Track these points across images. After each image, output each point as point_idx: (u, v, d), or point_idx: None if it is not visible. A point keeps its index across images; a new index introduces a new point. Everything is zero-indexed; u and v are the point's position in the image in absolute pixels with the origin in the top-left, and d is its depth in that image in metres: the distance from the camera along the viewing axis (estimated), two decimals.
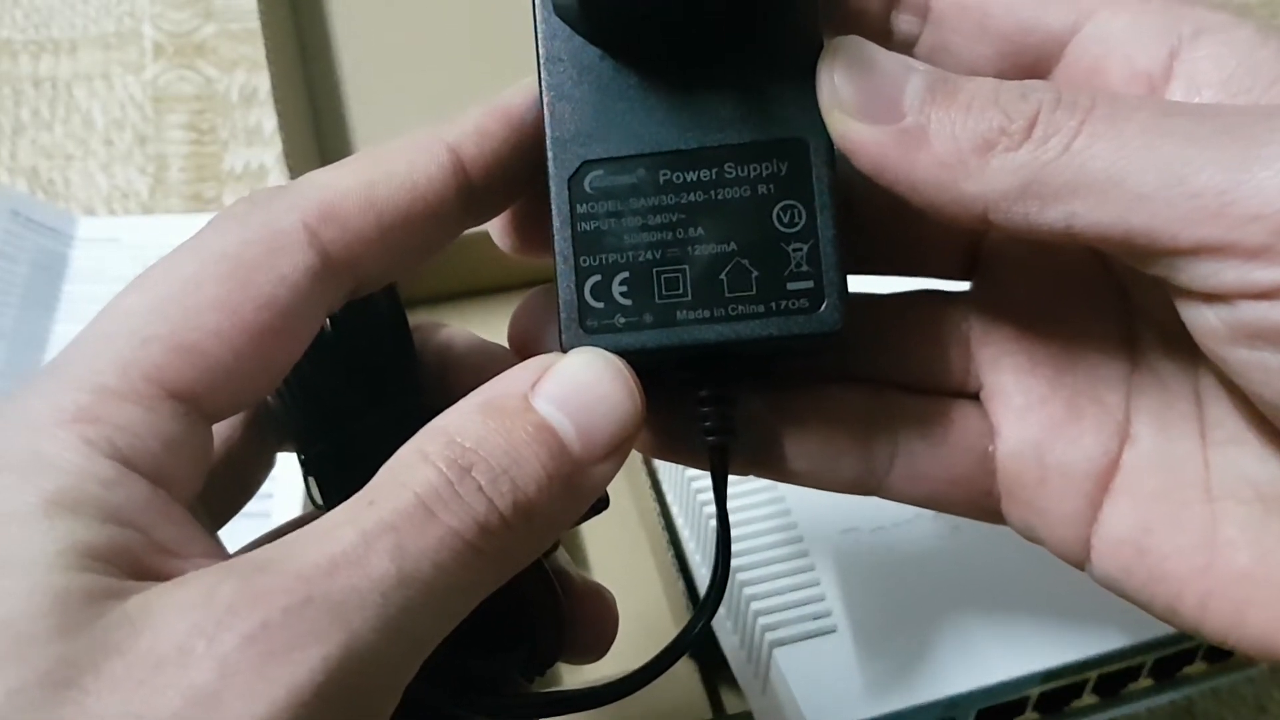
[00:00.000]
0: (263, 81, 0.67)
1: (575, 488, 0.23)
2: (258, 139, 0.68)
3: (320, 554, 0.20)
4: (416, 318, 0.29)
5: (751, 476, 0.40)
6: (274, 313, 0.23)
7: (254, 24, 0.61)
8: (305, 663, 0.19)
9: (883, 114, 0.23)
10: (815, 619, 0.39)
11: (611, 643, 0.30)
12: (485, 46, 0.62)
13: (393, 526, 0.21)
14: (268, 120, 0.68)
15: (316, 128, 0.62)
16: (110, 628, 0.19)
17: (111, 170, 0.66)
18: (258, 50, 0.63)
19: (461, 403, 0.23)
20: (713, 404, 0.26)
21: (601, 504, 0.27)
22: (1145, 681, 0.42)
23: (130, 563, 0.21)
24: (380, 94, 0.63)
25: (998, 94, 0.23)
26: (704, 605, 0.26)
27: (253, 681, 0.19)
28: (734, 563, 0.40)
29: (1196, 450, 0.26)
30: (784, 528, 0.42)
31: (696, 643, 0.26)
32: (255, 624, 0.19)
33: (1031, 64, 0.25)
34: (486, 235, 0.29)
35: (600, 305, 0.25)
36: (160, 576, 0.21)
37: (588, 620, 0.30)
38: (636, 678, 0.26)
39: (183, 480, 0.23)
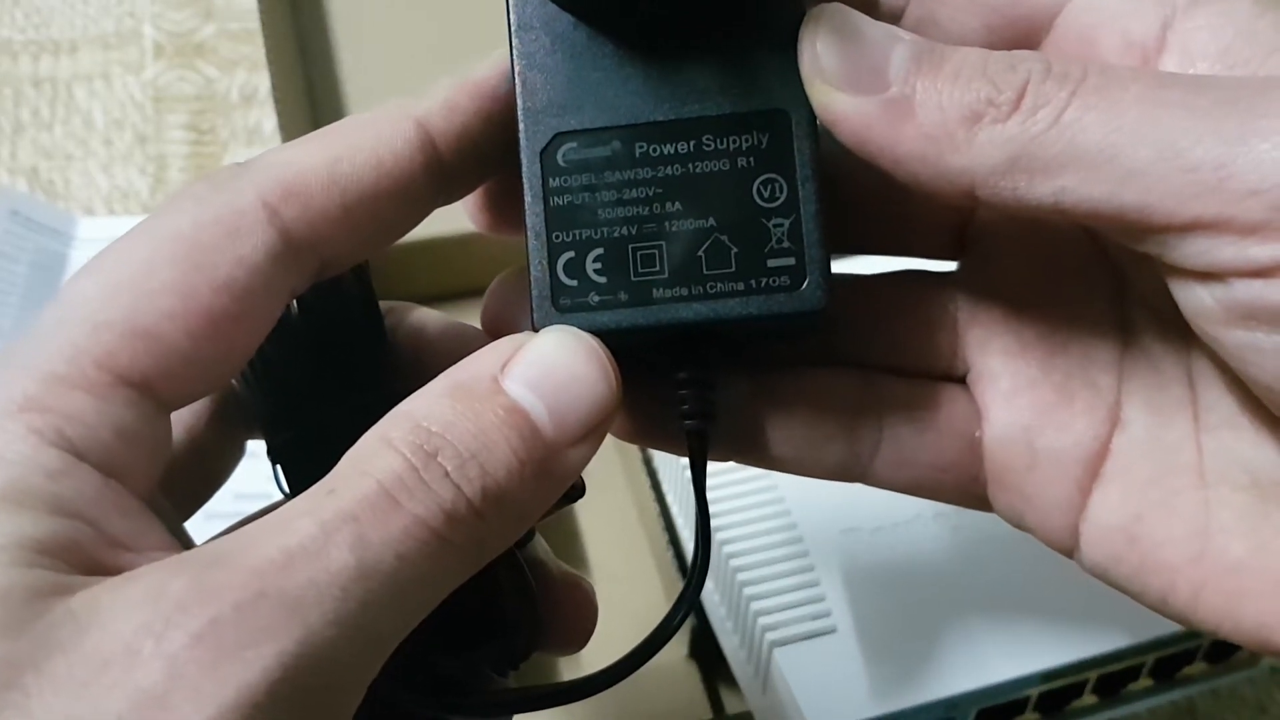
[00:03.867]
0: (262, 81, 0.67)
1: (548, 473, 0.22)
2: (258, 139, 0.67)
3: (275, 547, 0.20)
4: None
5: (749, 472, 0.39)
6: (232, 295, 0.22)
7: (254, 24, 0.61)
8: (257, 661, 0.19)
9: (866, 84, 0.22)
10: (815, 619, 0.39)
11: (590, 635, 0.29)
12: (487, 46, 0.62)
13: (353, 516, 0.20)
14: (268, 120, 0.67)
15: (316, 127, 0.62)
16: (54, 626, 0.19)
17: (111, 170, 0.66)
18: (257, 50, 0.63)
19: (429, 386, 0.23)
20: (691, 387, 0.26)
21: (576, 491, 0.26)
22: (1145, 681, 0.42)
23: (79, 557, 0.20)
24: (380, 93, 0.63)
25: (986, 64, 0.22)
26: (682, 597, 0.25)
27: (202, 682, 0.18)
28: (734, 563, 0.40)
29: (1189, 435, 0.25)
30: (784, 528, 0.41)
31: (675, 632, 0.25)
32: (205, 621, 0.19)
33: (1021, 36, 0.25)
34: (484, 235, 0.28)
35: (573, 283, 0.24)
36: (111, 571, 0.20)
37: (566, 612, 0.29)
38: (614, 671, 0.25)
39: (138, 470, 0.22)
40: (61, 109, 0.68)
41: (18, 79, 0.68)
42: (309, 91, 0.63)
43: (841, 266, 0.25)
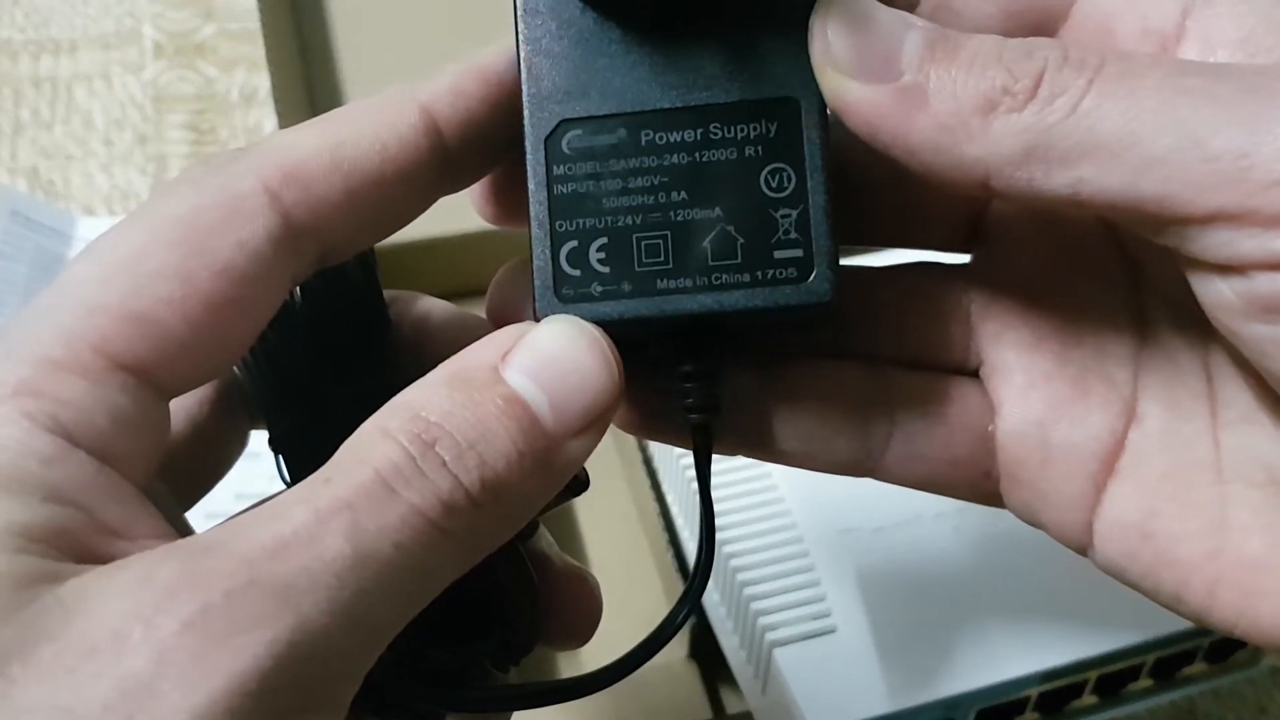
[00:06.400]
0: (263, 81, 0.66)
1: (548, 464, 0.22)
2: (258, 139, 0.67)
3: (268, 534, 0.19)
4: None
5: (749, 471, 0.39)
6: (231, 280, 0.22)
7: (254, 24, 0.61)
8: (248, 649, 0.18)
9: (879, 72, 0.22)
10: (815, 619, 0.39)
11: (594, 629, 0.29)
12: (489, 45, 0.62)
13: (349, 504, 0.20)
14: (268, 120, 0.67)
15: None
16: (42, 613, 0.18)
17: (111, 170, 0.65)
18: (257, 50, 0.62)
19: (428, 375, 0.22)
20: (695, 380, 0.25)
21: (580, 484, 0.26)
22: (1145, 682, 0.42)
23: (71, 544, 0.20)
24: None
25: (1001, 51, 0.21)
26: (687, 593, 0.25)
27: (191, 669, 0.18)
28: (734, 563, 0.40)
29: (1206, 430, 0.24)
30: (784, 528, 0.41)
31: (678, 630, 0.25)
32: (195, 609, 0.18)
33: (1038, 23, 0.24)
34: (496, 233, 0.28)
35: (576, 273, 0.24)
36: (104, 559, 0.20)
37: (570, 606, 0.28)
38: (616, 668, 0.25)
39: (133, 457, 0.22)
40: (61, 109, 0.67)
41: (18, 79, 0.68)
42: (309, 92, 0.63)
43: (854, 259, 0.25)
